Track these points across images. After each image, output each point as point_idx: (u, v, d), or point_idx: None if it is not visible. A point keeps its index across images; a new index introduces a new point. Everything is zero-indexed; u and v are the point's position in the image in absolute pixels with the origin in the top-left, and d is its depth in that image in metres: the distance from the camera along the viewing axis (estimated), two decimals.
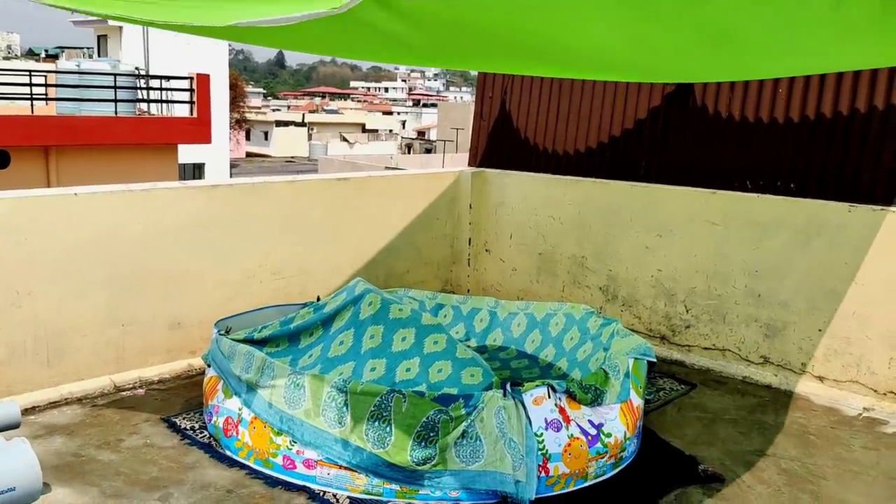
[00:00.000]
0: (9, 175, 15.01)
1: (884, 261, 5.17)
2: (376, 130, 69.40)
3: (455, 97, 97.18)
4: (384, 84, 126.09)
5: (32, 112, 16.12)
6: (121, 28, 33.40)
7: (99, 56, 33.89)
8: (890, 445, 4.70)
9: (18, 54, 55.41)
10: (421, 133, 65.64)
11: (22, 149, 15.39)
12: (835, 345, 5.41)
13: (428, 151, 50.92)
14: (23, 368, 4.76)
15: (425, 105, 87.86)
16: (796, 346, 5.57)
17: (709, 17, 2.78)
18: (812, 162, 5.54)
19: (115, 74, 17.10)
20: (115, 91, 16.70)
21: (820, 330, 5.46)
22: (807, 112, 5.56)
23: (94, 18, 34.42)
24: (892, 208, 5.16)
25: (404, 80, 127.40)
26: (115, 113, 16.68)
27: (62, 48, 46.63)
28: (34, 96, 16.49)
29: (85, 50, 41.11)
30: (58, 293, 4.87)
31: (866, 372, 5.29)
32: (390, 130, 70.65)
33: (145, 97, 18.96)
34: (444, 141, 41.37)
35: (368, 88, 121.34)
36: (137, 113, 18.14)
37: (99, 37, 35.66)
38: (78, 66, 18.11)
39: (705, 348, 6.00)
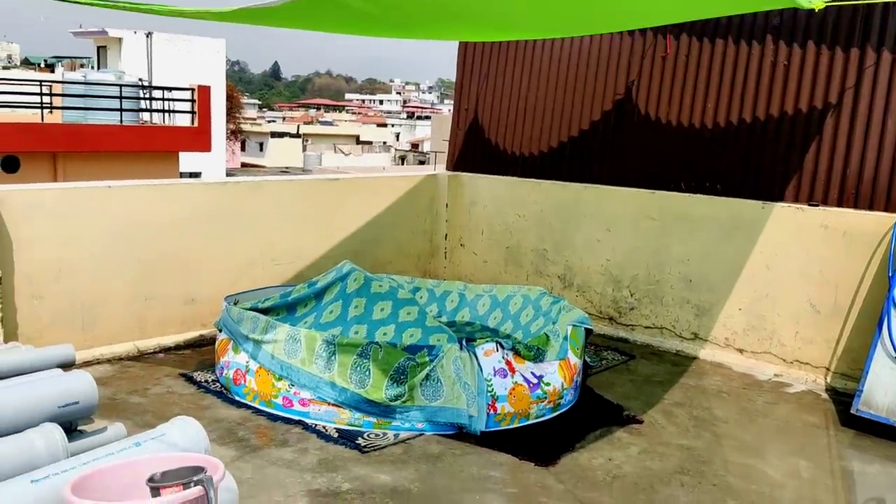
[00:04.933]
0: (19, 179, 15.86)
1: (789, 249, 6.13)
2: (370, 142, 70.28)
3: (449, 110, 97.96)
4: (379, 96, 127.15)
5: (42, 120, 17.00)
6: (120, 40, 34.30)
7: (98, 66, 34.80)
8: (788, 400, 5.65)
9: (17, 64, 56.16)
10: (415, 145, 66.49)
11: (31, 154, 16.29)
12: (752, 322, 6.36)
13: (422, 163, 51.74)
14: (62, 333, 5.66)
15: (420, 118, 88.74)
16: (721, 323, 6.52)
17: None
18: (734, 166, 6.50)
19: (120, 85, 18.05)
20: (121, 101, 17.64)
21: (740, 309, 6.41)
22: (730, 124, 6.53)
23: (95, 30, 35.40)
24: (796, 205, 6.13)
25: (399, 93, 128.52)
26: (120, 121, 17.61)
27: (59, 58, 47.52)
28: (43, 105, 17.38)
29: (85, 60, 42.03)
30: (91, 270, 5.78)
31: (777, 344, 6.24)
32: (384, 142, 71.53)
33: (148, 107, 19.89)
34: (436, 153, 42.34)
35: (363, 101, 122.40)
36: (140, 122, 19.08)
37: (98, 48, 36.54)
38: (84, 77, 19.07)
39: (646, 327, 6.94)
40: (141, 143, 17.71)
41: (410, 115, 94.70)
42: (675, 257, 6.74)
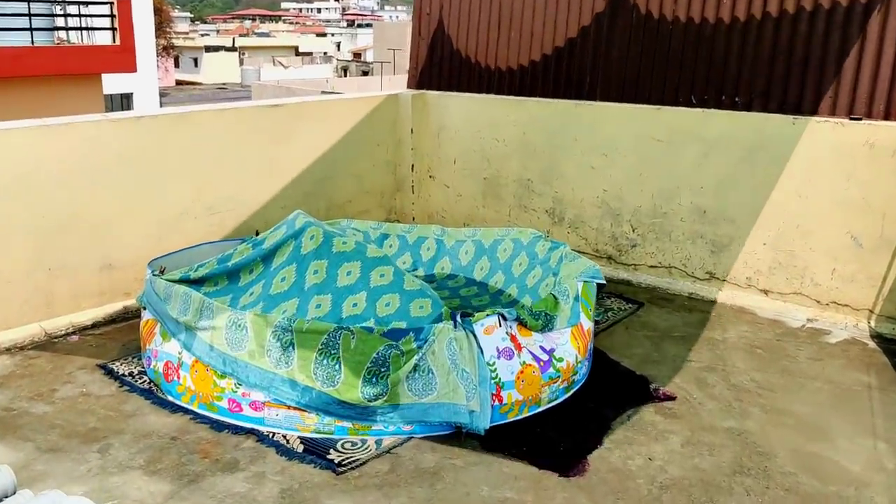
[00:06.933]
0: None
1: (826, 173, 5.17)
2: (310, 53, 67.32)
3: (391, 16, 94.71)
4: (316, 4, 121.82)
5: None
6: None
7: None
8: (833, 355, 4.79)
9: None
10: (357, 55, 63.98)
11: None
12: (779, 258, 5.45)
13: (365, 74, 49.70)
14: None
15: (360, 25, 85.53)
16: (741, 260, 5.60)
17: None
18: (757, 74, 5.45)
19: (28, 1, 16.04)
20: (30, 19, 15.68)
21: (765, 244, 5.49)
22: (751, 24, 5.44)
23: None
24: (834, 120, 5.14)
25: (337, 0, 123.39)
26: (32, 42, 15.70)
27: None
28: None
29: None
30: None
31: (810, 284, 5.35)
32: (325, 53, 68.65)
33: (64, 25, 17.88)
34: (381, 63, 40.41)
35: (300, 10, 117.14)
36: (56, 42, 17.13)
37: None
38: None
39: (651, 266, 5.99)
40: (56, 65, 15.75)
41: (350, 24, 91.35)
42: (686, 185, 5.74)
